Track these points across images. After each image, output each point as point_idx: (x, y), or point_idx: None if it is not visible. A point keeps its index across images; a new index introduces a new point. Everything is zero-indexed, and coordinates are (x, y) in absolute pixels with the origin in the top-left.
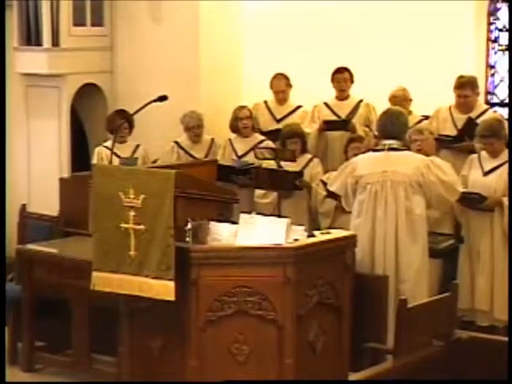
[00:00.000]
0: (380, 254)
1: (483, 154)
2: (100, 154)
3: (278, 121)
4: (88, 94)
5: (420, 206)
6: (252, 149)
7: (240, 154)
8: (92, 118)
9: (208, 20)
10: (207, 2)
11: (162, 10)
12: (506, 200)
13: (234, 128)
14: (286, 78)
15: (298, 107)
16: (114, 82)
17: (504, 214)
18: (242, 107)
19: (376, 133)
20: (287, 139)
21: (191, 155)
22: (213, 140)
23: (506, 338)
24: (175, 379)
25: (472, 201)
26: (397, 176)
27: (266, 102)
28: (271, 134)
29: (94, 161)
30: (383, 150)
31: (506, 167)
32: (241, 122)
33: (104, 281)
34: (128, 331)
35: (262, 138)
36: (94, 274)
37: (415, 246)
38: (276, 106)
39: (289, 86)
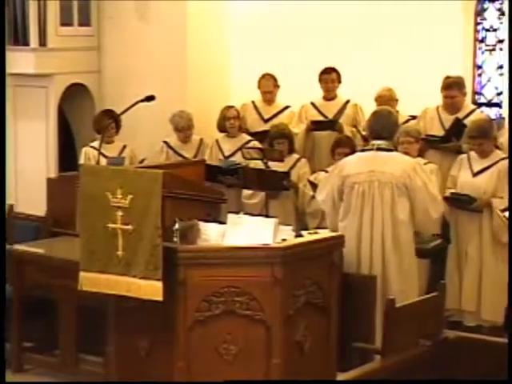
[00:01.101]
0: (366, 254)
1: (472, 154)
2: (87, 154)
3: (266, 121)
4: (75, 94)
5: (406, 208)
6: (239, 149)
7: (227, 154)
8: (79, 118)
9: (195, 20)
10: (195, 1)
11: (149, 9)
12: (495, 201)
13: (222, 128)
14: (274, 78)
15: (286, 107)
16: (101, 81)
17: (493, 215)
18: (230, 107)
19: (363, 133)
20: (275, 139)
21: (181, 155)
22: (202, 140)
23: (493, 338)
24: (163, 379)
25: (461, 202)
26: (384, 176)
27: (253, 102)
28: (259, 135)
29: (81, 161)
30: (371, 149)
31: (495, 168)
32: (228, 122)
33: (91, 281)
34: (115, 331)
35: (249, 138)
36: (82, 274)
37: (401, 246)
38: (264, 106)
39: (276, 86)
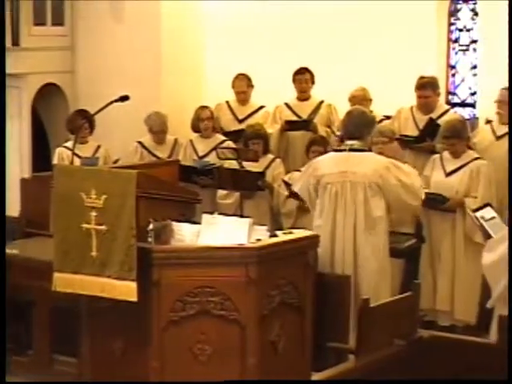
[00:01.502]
0: (339, 255)
1: (445, 154)
2: (61, 155)
3: (240, 121)
4: (49, 94)
5: (379, 207)
6: (213, 149)
7: (201, 154)
8: (53, 118)
9: (169, 20)
10: (169, 2)
11: (123, 9)
12: (468, 201)
13: (196, 128)
14: (248, 78)
15: (261, 107)
16: (74, 81)
17: (466, 215)
18: (204, 108)
19: (337, 133)
20: (250, 140)
21: (155, 155)
22: (176, 140)
23: (467, 337)
24: (137, 380)
25: (434, 201)
26: (356, 177)
27: (227, 102)
28: (233, 135)
29: (55, 161)
30: (345, 150)
31: (467, 168)
32: (202, 123)
33: (65, 281)
34: (89, 332)
35: (224, 138)
36: (56, 274)
37: (374, 247)
38: (238, 106)
39: (250, 86)
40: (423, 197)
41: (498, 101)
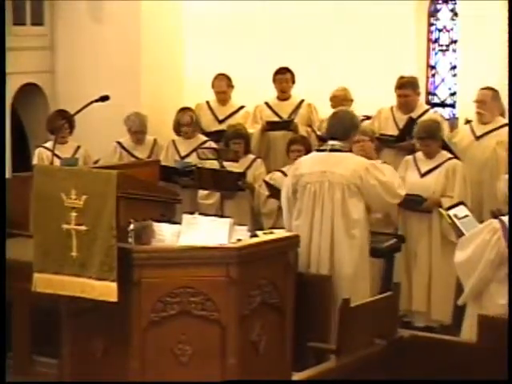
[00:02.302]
0: (315, 255)
1: (419, 155)
2: (40, 155)
3: (220, 121)
4: (28, 93)
5: (357, 209)
6: (195, 149)
7: (183, 154)
8: (33, 118)
9: (149, 20)
10: (148, 1)
11: (102, 9)
12: (444, 201)
13: (177, 131)
14: (228, 78)
15: (241, 108)
16: (54, 81)
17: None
18: (184, 112)
19: (318, 133)
20: (231, 140)
21: (134, 156)
22: (155, 141)
23: (448, 337)
24: (118, 380)
25: (413, 202)
26: (335, 177)
27: (208, 102)
28: (214, 135)
29: (35, 161)
30: (326, 150)
31: (442, 168)
32: (182, 129)
33: (46, 282)
34: (70, 333)
35: (205, 138)
36: (36, 275)
37: (351, 247)
38: (218, 106)
39: (230, 86)
40: (403, 193)
41: (477, 101)
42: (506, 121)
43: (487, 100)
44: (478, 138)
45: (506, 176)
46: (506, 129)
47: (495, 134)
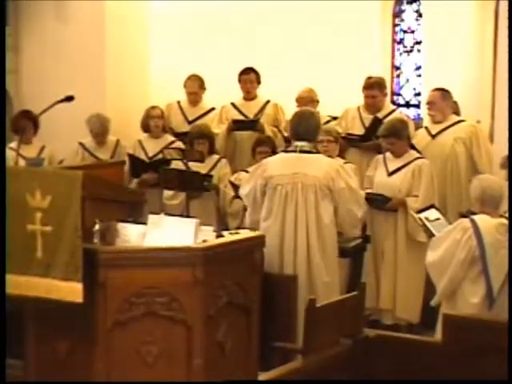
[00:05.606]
0: (290, 255)
1: (388, 154)
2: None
3: (190, 122)
4: None
5: (328, 212)
6: (163, 149)
7: (150, 154)
8: None
9: (114, 20)
10: (113, 2)
11: (67, 10)
12: (409, 200)
13: (146, 127)
14: (201, 80)
15: (211, 109)
16: (18, 82)
17: (408, 214)
18: (154, 107)
19: (285, 133)
20: (195, 140)
21: (96, 157)
22: (118, 141)
23: (413, 336)
24: (83, 381)
25: (376, 202)
26: (307, 179)
27: (178, 102)
28: (183, 136)
29: None
30: (295, 151)
31: (409, 168)
32: (152, 121)
33: (11, 283)
34: (34, 333)
35: (173, 138)
36: None
37: (326, 247)
38: (189, 107)
39: (203, 88)
40: (365, 208)
41: (427, 102)
42: (460, 118)
43: (436, 101)
44: (433, 136)
45: (481, 176)
46: (462, 125)
47: (451, 132)
